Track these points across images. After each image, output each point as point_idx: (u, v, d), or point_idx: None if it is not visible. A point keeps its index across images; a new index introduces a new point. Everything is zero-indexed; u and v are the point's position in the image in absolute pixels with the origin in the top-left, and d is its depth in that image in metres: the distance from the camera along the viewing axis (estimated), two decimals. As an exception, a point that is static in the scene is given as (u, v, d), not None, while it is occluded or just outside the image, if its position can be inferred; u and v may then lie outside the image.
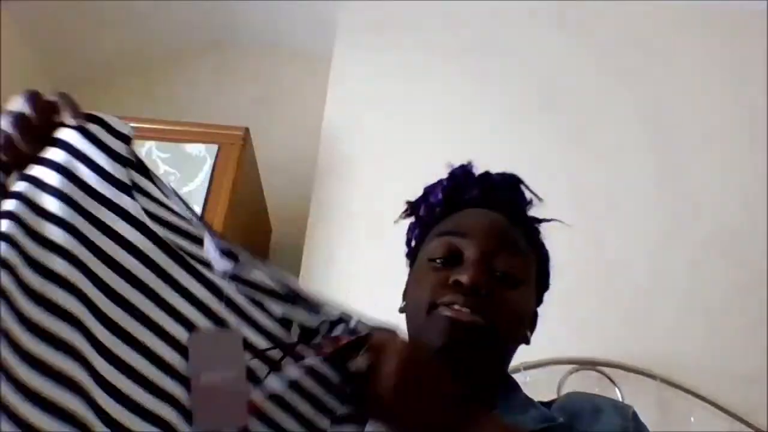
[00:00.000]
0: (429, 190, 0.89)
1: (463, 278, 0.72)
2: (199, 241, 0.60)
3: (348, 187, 1.94)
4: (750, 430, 1.49)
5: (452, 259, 0.76)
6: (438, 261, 0.77)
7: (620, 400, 1.52)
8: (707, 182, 1.88)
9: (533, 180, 0.88)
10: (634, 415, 0.71)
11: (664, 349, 1.61)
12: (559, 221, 0.87)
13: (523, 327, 0.78)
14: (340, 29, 2.24)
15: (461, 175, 0.87)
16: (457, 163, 0.90)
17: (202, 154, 1.79)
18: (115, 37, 2.42)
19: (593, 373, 1.53)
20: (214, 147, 1.80)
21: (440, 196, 0.86)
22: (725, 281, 1.72)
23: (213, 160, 1.77)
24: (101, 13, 2.32)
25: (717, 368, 1.60)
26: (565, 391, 1.48)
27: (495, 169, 0.90)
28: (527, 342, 0.81)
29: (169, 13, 2.41)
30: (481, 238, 0.76)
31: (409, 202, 0.91)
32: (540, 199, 0.86)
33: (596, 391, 1.54)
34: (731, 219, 1.81)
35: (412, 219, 0.91)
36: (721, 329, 1.66)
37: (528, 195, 0.86)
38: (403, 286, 0.90)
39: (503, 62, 2.11)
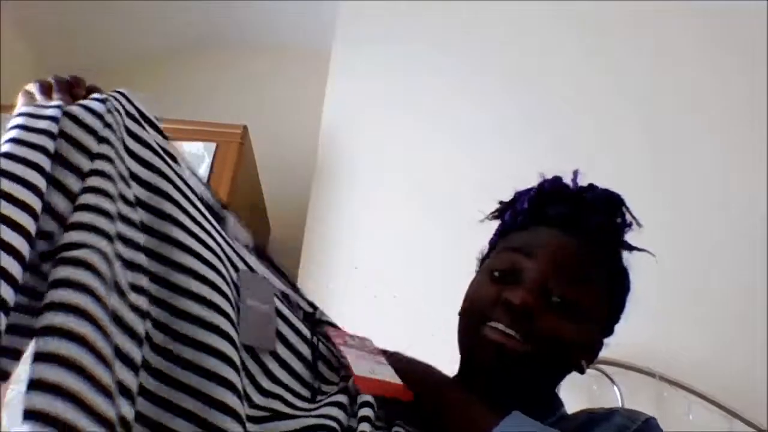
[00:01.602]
0: (518, 196, 0.83)
1: (514, 298, 0.69)
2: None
3: (347, 186, 1.93)
4: (749, 428, 1.49)
5: (511, 276, 0.73)
6: (496, 274, 0.75)
7: (619, 398, 1.52)
8: (706, 183, 1.88)
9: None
10: (648, 422, 0.67)
11: (663, 347, 1.61)
12: (649, 252, 0.81)
13: (573, 357, 0.74)
14: (339, 27, 2.23)
15: (550, 189, 0.81)
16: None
17: (201, 152, 1.79)
18: (114, 36, 2.42)
19: (592, 371, 1.53)
20: (213, 145, 1.80)
21: (525, 205, 0.80)
22: (724, 279, 1.72)
23: (211, 159, 1.77)
24: (101, 13, 2.32)
25: (716, 366, 1.60)
26: (564, 389, 1.48)
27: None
28: (581, 371, 0.77)
29: (167, 11, 2.41)
30: (544, 260, 0.72)
31: (500, 203, 0.86)
32: (639, 225, 0.79)
33: (594, 389, 1.54)
34: (731, 219, 1.81)
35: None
36: (720, 327, 1.66)
37: (618, 218, 0.79)
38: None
39: (503, 60, 2.11)
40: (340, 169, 1.97)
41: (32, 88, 0.60)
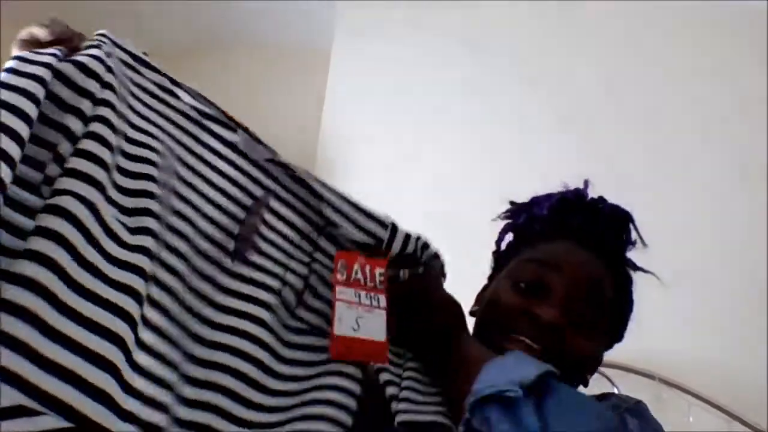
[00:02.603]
0: (535, 201, 0.83)
1: (546, 315, 0.70)
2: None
3: (347, 185, 1.93)
4: (748, 430, 1.49)
5: (538, 289, 0.73)
6: (523, 286, 0.74)
7: (619, 399, 1.52)
8: (706, 183, 1.88)
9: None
10: (639, 404, 0.69)
11: (663, 350, 1.61)
12: (655, 276, 0.83)
13: (584, 372, 0.77)
14: (339, 27, 2.24)
15: (572, 200, 0.81)
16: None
17: (201, 153, 1.79)
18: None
19: (592, 373, 1.53)
20: (213, 146, 1.80)
21: (545, 212, 0.81)
22: (724, 281, 1.72)
23: (211, 160, 1.77)
24: (100, 14, 2.32)
25: (715, 368, 1.60)
26: (563, 390, 1.48)
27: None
28: (585, 384, 0.79)
29: (166, 12, 2.41)
30: (573, 279, 0.73)
31: (512, 204, 0.86)
32: (645, 244, 0.81)
33: (595, 391, 1.54)
34: (731, 219, 1.81)
35: (504, 222, 0.86)
36: (720, 329, 1.66)
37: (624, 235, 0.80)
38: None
39: (502, 58, 2.11)
40: (340, 168, 1.97)
41: (28, 35, 0.59)
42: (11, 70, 0.50)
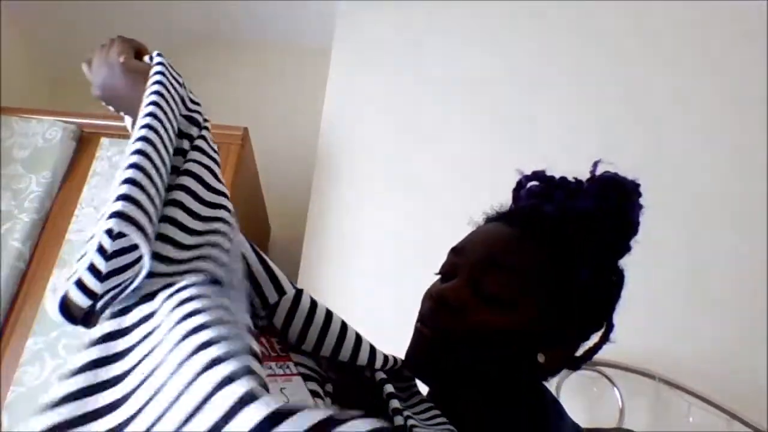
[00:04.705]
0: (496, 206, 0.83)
1: (435, 290, 0.70)
2: None
3: (347, 185, 1.93)
4: (748, 430, 1.49)
5: (449, 275, 0.72)
6: (439, 276, 0.76)
7: (619, 399, 1.52)
8: (705, 183, 1.88)
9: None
10: None
11: (663, 349, 1.61)
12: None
13: (507, 349, 0.67)
14: (339, 24, 2.24)
15: (520, 186, 0.81)
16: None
17: (201, 153, 1.79)
18: (112, 36, 2.42)
19: (592, 373, 1.53)
20: (213, 146, 1.80)
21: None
22: (724, 280, 1.72)
23: (212, 160, 1.77)
24: (101, 13, 2.33)
25: (716, 368, 1.60)
26: (564, 391, 1.48)
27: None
28: (539, 366, 0.69)
29: (167, 11, 2.41)
30: (471, 254, 0.71)
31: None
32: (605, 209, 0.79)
33: (594, 390, 1.54)
34: (730, 219, 1.81)
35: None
36: (720, 329, 1.66)
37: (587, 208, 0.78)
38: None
39: (503, 58, 2.11)
40: (341, 168, 1.97)
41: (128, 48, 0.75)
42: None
